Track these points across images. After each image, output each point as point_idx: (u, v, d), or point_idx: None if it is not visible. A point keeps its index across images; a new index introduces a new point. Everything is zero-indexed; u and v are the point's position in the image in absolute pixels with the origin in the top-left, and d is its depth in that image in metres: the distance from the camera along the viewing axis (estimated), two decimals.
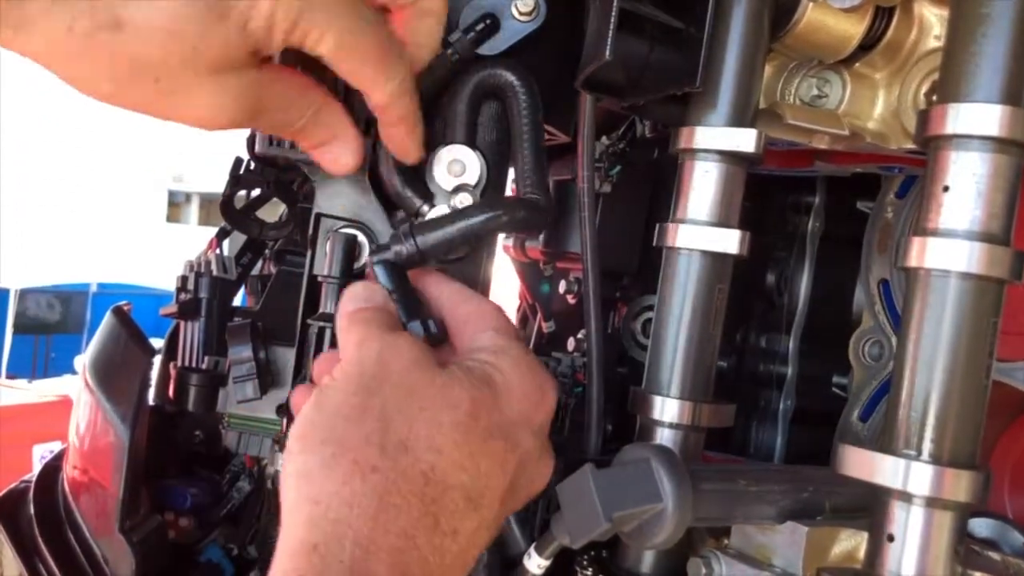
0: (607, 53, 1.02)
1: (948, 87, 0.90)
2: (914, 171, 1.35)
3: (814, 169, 1.41)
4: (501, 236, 1.74)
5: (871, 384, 1.37)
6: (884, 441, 0.90)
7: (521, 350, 0.98)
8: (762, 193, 1.68)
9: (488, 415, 0.90)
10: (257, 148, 1.30)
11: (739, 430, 1.71)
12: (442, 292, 1.09)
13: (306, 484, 0.83)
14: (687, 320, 1.13)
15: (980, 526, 1.21)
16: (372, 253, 1.14)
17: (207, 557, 1.46)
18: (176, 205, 24.20)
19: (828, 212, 1.68)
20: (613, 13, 1.01)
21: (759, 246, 1.67)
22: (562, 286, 1.72)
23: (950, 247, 0.87)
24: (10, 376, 11.88)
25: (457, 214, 1.18)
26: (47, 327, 16.40)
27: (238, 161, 1.38)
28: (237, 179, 1.37)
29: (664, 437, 1.14)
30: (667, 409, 1.12)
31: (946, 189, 0.88)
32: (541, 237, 1.68)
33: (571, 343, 1.69)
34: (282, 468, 0.88)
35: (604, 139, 1.65)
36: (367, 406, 0.86)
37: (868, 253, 1.41)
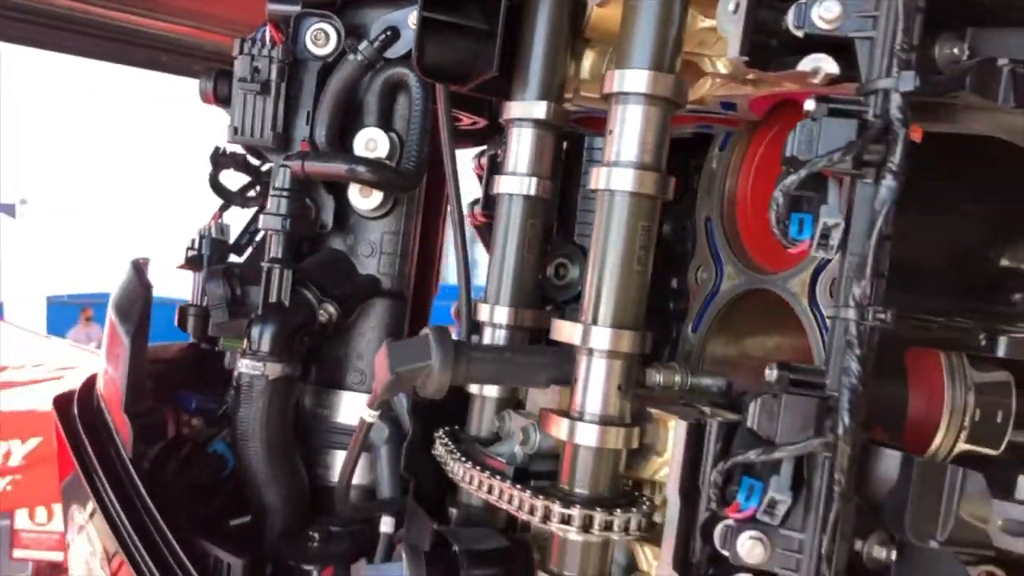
0: (414, 51, 1.42)
1: (617, 56, 1.25)
2: (731, 129, 1.66)
3: None
4: (467, 207, 2.15)
5: (699, 302, 1.68)
6: (577, 313, 1.25)
7: None
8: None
9: None
10: (227, 138, 1.77)
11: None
12: None
13: None
14: (511, 250, 1.50)
15: None
16: None
17: (214, 448, 1.93)
18: None
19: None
20: (417, 21, 1.41)
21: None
22: None
23: (616, 173, 1.22)
24: None
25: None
26: None
27: (216, 148, 1.86)
28: (217, 161, 1.85)
29: (496, 335, 1.52)
30: (486, 312, 1.50)
31: (611, 132, 1.23)
32: (479, 206, 2.06)
33: None
34: None
35: None
36: None
37: (701, 197, 1.72)
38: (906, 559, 1.17)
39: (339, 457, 1.83)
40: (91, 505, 1.70)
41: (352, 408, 1.84)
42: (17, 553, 8.58)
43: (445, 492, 1.54)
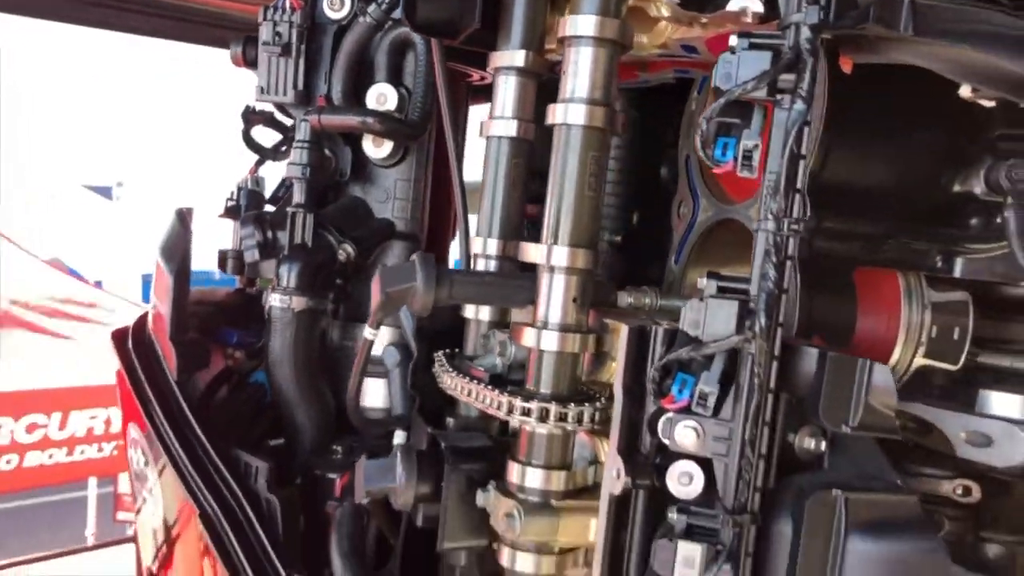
0: (403, 9, 1.58)
1: (570, 4, 1.39)
2: (707, 73, 1.79)
3: (646, 79, 1.88)
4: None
5: (680, 235, 1.82)
6: (541, 238, 1.41)
7: None
8: (655, 102, 2.13)
9: None
10: (255, 97, 1.97)
11: None
12: None
13: None
14: (499, 187, 1.67)
15: None
16: None
17: (255, 379, 2.15)
18: None
19: None
20: None
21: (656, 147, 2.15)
22: None
23: (571, 109, 1.38)
24: None
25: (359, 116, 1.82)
26: None
27: (246, 107, 2.07)
28: (247, 118, 2.06)
29: (488, 264, 1.68)
30: (479, 244, 1.67)
31: (565, 72, 1.38)
32: None
33: None
34: None
35: None
36: None
37: (682, 137, 1.85)
38: (837, 450, 1.30)
39: (364, 384, 2.02)
40: (162, 461, 1.93)
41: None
42: (121, 515, 9.18)
43: (445, 406, 1.72)
